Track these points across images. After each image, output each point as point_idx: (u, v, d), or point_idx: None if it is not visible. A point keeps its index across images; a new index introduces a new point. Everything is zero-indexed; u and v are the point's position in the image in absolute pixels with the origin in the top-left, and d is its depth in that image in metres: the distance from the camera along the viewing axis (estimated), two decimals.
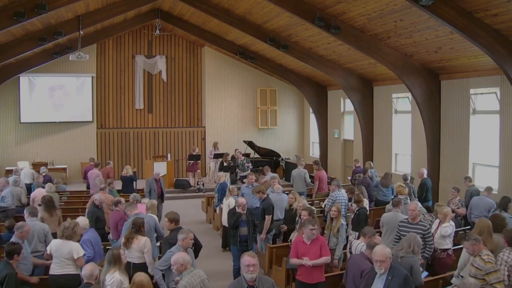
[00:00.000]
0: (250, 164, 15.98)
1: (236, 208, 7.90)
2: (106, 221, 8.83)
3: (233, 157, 17.31)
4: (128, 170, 13.44)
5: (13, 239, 6.32)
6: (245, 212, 7.86)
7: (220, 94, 20.09)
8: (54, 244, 6.29)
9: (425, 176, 11.29)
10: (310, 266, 6.07)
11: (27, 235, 6.45)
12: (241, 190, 10.71)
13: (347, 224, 8.31)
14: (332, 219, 7.59)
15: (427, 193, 11.12)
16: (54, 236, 7.00)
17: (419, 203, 8.33)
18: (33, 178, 13.07)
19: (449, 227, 7.15)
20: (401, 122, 14.91)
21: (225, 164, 15.61)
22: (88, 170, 14.29)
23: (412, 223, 6.94)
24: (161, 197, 11.88)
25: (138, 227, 6.61)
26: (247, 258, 4.62)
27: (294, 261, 6.29)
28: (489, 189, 9.63)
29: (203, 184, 16.68)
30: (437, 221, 7.50)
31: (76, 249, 6.19)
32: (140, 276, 4.80)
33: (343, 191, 9.68)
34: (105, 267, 5.30)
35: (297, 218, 8.20)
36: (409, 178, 11.28)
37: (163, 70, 20.08)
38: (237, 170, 15.81)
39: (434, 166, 12.67)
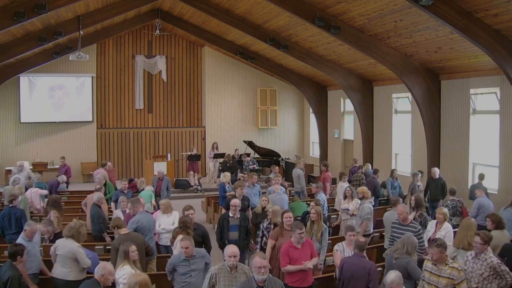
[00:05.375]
0: (255, 165, 16.17)
1: (230, 212, 7.56)
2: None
3: (233, 157, 17.33)
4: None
5: (20, 239, 6.34)
6: (237, 216, 7.50)
7: (220, 94, 20.09)
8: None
9: (437, 176, 11.13)
10: (306, 270, 5.95)
11: (32, 235, 6.42)
12: None
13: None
14: (313, 222, 7.12)
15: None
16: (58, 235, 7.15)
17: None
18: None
19: (448, 235, 7.12)
20: (401, 122, 14.92)
21: (228, 164, 15.67)
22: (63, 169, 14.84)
23: (403, 224, 6.96)
24: (159, 197, 11.80)
25: (185, 226, 6.62)
26: (258, 260, 4.68)
27: (290, 268, 5.94)
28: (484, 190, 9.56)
29: (200, 185, 16.67)
30: (433, 222, 7.47)
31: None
32: (141, 275, 4.82)
33: (323, 194, 9.74)
34: (117, 263, 5.44)
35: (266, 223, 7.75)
36: (419, 174, 11.49)
37: (163, 70, 20.07)
38: (238, 170, 15.91)
39: (434, 166, 12.62)
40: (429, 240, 7.29)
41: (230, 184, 11.36)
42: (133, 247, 5.54)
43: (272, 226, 7.40)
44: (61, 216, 8.63)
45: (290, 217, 6.80)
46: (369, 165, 13.44)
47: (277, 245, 6.66)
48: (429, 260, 5.37)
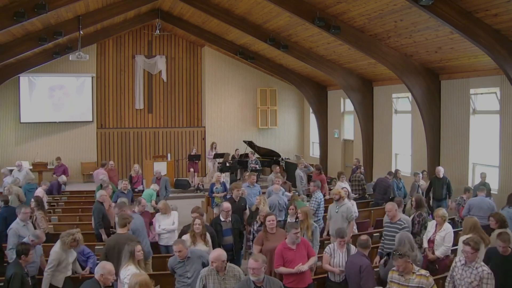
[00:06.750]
0: (257, 166, 16.18)
1: (220, 216, 7.50)
2: (109, 220, 8.82)
3: (233, 157, 17.33)
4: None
5: (25, 240, 6.42)
6: (229, 220, 7.47)
7: (220, 94, 20.10)
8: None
9: (442, 175, 11.10)
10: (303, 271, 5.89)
11: (38, 245, 6.49)
12: None
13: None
14: (302, 222, 7.04)
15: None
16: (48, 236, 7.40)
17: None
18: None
19: (447, 236, 7.13)
20: (401, 122, 14.91)
21: (227, 164, 15.67)
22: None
23: (392, 222, 7.20)
24: (158, 196, 11.76)
25: (183, 229, 6.73)
26: (250, 261, 4.91)
27: (283, 270, 5.91)
28: (483, 190, 9.47)
29: (203, 186, 16.68)
30: (433, 223, 7.45)
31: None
32: (141, 275, 4.83)
33: (320, 193, 9.62)
34: (122, 263, 5.46)
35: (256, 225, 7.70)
36: (420, 174, 11.59)
37: (163, 70, 20.07)
38: (238, 170, 15.94)
39: (434, 166, 12.64)
40: (429, 241, 7.32)
41: (220, 184, 11.29)
42: (138, 247, 5.54)
43: (263, 228, 7.31)
44: (45, 216, 8.77)
45: (272, 221, 6.73)
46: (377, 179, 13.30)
47: (264, 250, 6.59)
48: (395, 271, 5.30)
